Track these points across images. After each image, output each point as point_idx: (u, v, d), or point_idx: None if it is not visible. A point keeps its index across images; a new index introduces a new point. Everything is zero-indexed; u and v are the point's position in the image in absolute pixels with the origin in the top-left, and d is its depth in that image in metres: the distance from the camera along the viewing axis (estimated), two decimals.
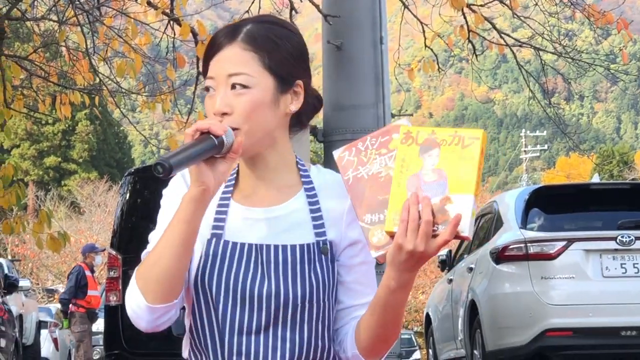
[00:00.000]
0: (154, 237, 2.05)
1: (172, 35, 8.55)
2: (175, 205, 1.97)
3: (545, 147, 66.85)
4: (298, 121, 2.11)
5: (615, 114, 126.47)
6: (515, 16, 10.42)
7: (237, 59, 2.01)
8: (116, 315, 10.06)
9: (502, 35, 10.41)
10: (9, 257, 29.33)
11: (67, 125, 49.05)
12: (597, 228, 8.98)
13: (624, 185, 11.46)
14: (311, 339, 2.03)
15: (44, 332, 16.49)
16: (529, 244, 8.56)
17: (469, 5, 9.75)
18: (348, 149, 1.93)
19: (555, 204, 9.14)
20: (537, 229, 8.83)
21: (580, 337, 8.43)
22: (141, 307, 1.97)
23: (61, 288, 24.20)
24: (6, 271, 14.53)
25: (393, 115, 8.49)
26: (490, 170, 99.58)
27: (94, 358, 16.10)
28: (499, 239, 8.95)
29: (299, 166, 2.11)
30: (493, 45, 10.41)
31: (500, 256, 8.76)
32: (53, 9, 8.61)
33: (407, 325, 39.00)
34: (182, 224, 1.93)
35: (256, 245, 2.03)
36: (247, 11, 9.01)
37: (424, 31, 9.93)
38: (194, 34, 8.05)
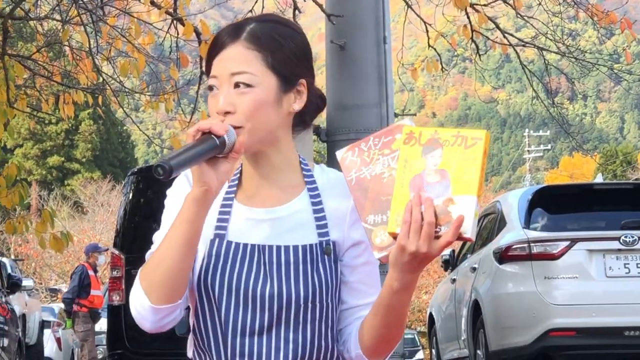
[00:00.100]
0: (158, 237, 2.05)
1: (176, 35, 8.55)
2: (179, 205, 1.97)
3: (549, 146, 66.72)
4: (301, 120, 2.10)
5: (619, 114, 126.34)
6: (518, 16, 10.41)
7: (240, 58, 2.00)
8: (119, 315, 10.06)
9: (506, 35, 10.40)
10: (12, 257, 29.30)
11: (70, 125, 48.98)
12: (600, 228, 8.97)
13: (628, 185, 11.43)
14: (314, 339, 2.02)
15: (47, 332, 16.45)
16: (532, 244, 8.54)
17: (472, 5, 9.74)
18: (351, 149, 1.92)
19: (558, 204, 9.13)
20: (541, 229, 8.81)
21: (584, 337, 8.42)
22: (145, 307, 1.96)
23: (64, 288, 24.19)
24: (9, 271, 14.50)
25: (396, 115, 8.50)
26: (494, 170, 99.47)
27: (98, 358, 16.09)
28: (502, 239, 8.94)
29: (302, 166, 2.10)
30: (496, 45, 10.41)
31: (504, 256, 8.74)
32: (56, 8, 8.60)
33: (410, 325, 38.96)
34: (185, 224, 1.92)
35: (259, 245, 2.02)
36: (251, 10, 9.02)
37: (427, 31, 9.93)
38: (197, 34, 8.05)
